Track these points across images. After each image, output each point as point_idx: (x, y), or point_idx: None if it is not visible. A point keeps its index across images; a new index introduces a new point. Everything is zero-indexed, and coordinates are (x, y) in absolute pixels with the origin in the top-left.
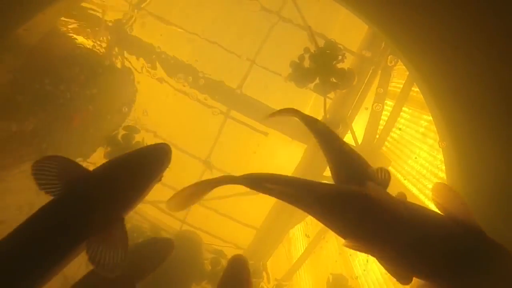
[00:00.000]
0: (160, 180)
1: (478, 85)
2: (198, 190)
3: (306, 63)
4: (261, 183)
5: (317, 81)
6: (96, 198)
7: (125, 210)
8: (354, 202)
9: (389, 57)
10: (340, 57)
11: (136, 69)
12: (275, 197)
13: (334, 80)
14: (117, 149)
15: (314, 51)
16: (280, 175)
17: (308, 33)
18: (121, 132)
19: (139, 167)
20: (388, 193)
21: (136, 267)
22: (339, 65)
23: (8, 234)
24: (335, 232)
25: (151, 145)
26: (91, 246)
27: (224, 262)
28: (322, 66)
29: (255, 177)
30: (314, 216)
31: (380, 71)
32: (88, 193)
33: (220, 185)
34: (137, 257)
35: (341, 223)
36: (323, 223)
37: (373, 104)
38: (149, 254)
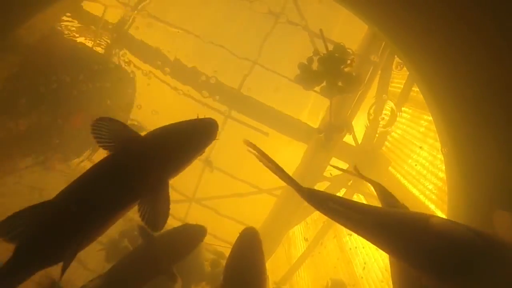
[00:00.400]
0: (201, 154)
1: (478, 85)
2: (265, 159)
3: (313, 66)
4: (323, 201)
5: (323, 84)
6: (148, 160)
7: (171, 175)
8: (419, 228)
9: (394, 61)
10: (348, 61)
11: (141, 68)
12: (333, 219)
13: (341, 84)
14: None
15: (323, 54)
16: (341, 197)
17: (309, 36)
18: None
19: (189, 137)
20: (453, 222)
21: (171, 251)
22: (347, 69)
23: (66, 187)
24: (398, 260)
25: (201, 119)
26: (142, 204)
27: (224, 263)
28: (330, 69)
29: (318, 194)
30: (375, 242)
31: (380, 72)
32: (141, 154)
33: (279, 176)
34: (172, 241)
35: (406, 252)
36: (386, 251)
37: (370, 110)
38: (183, 239)
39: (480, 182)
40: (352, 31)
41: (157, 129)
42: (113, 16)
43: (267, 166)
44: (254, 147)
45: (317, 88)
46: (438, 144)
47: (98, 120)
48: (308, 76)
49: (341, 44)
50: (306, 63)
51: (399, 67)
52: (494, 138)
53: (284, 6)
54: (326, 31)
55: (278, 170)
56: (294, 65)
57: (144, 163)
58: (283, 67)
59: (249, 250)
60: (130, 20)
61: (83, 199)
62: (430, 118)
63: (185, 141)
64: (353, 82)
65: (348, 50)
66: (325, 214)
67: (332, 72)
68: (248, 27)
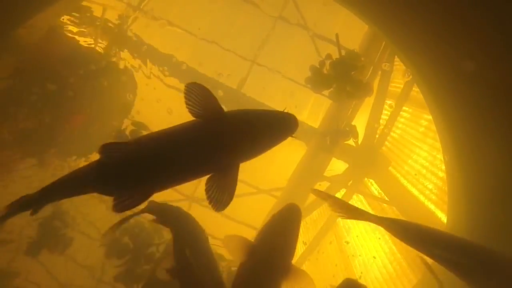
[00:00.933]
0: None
1: (478, 85)
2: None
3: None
4: (406, 233)
5: (332, 88)
6: (229, 137)
7: (244, 158)
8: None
9: (405, 72)
10: (359, 69)
11: (140, 69)
12: (417, 249)
13: (350, 90)
14: None
15: (335, 58)
16: (425, 228)
17: (311, 37)
18: (130, 127)
19: (270, 126)
20: None
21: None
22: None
23: (151, 134)
24: None
25: (284, 112)
26: (211, 180)
27: (222, 265)
28: (341, 74)
29: (402, 225)
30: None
31: (380, 71)
32: (224, 130)
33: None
34: None
35: None
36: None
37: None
38: None
39: (480, 182)
40: (352, 31)
41: (241, 110)
42: (113, 16)
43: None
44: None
45: (325, 92)
46: (438, 144)
47: (191, 84)
48: (318, 79)
49: (354, 50)
50: (318, 66)
51: (406, 75)
52: (494, 138)
53: (284, 6)
54: (326, 32)
55: (354, 210)
56: (294, 66)
57: (225, 139)
58: (283, 68)
59: (287, 223)
60: (130, 20)
61: (163, 148)
62: (430, 117)
63: (266, 129)
64: (362, 88)
65: (361, 57)
66: (411, 245)
67: (342, 77)
68: (247, 27)
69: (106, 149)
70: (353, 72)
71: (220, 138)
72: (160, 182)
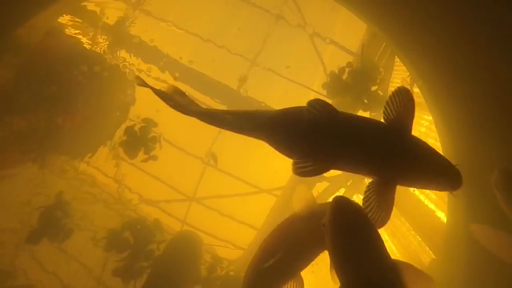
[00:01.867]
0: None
1: (478, 85)
2: None
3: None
4: None
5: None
6: (408, 155)
7: (403, 182)
8: None
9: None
10: (378, 81)
11: (136, 68)
12: None
13: (366, 101)
14: (133, 139)
15: (356, 67)
16: None
17: (310, 37)
18: (139, 125)
19: (446, 174)
20: None
21: None
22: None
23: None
24: None
25: (457, 169)
26: (368, 190)
27: (222, 267)
28: (359, 84)
29: None
30: None
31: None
32: (403, 146)
33: None
34: None
35: None
36: None
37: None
38: None
39: (480, 182)
40: (352, 31)
41: (425, 143)
42: (113, 16)
43: None
44: None
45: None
46: (438, 144)
47: (401, 88)
48: (336, 86)
49: (374, 62)
50: (337, 72)
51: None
52: (493, 138)
53: (282, 6)
54: (326, 31)
55: None
56: (294, 65)
57: (404, 154)
58: (282, 65)
59: None
60: (131, 20)
61: (354, 130)
62: (431, 118)
63: (442, 172)
64: (379, 102)
65: (380, 70)
66: None
67: (361, 88)
68: (247, 27)
69: (314, 104)
70: (370, 84)
71: (401, 151)
72: (339, 161)
